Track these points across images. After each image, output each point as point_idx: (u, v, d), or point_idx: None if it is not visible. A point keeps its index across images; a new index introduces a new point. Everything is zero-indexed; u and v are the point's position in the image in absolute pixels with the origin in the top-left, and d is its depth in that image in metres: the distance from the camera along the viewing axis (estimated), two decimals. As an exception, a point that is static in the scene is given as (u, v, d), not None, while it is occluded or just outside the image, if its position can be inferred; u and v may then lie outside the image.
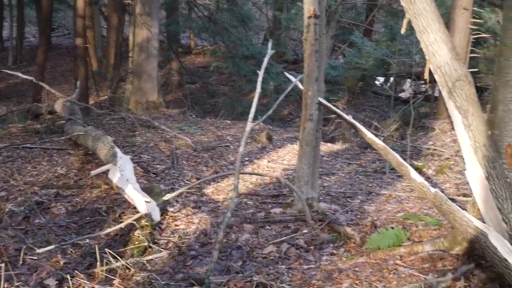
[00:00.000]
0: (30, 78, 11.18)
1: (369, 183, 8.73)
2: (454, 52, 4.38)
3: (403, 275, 4.66)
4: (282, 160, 10.26)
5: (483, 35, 12.86)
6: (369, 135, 5.94)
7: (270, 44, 6.74)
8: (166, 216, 6.69)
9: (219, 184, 8.42)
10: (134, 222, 5.95)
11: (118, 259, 5.25)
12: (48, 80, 17.96)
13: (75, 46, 14.15)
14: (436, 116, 13.40)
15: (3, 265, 4.85)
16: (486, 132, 4.25)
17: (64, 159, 9.13)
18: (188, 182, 8.28)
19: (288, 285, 4.82)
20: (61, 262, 5.36)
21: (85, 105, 12.24)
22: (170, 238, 6.06)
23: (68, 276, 4.82)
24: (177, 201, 7.26)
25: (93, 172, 7.15)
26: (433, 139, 11.70)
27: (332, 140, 13.73)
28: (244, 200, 7.70)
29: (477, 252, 4.58)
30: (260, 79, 6.04)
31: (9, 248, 5.67)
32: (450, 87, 4.33)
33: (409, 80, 18.28)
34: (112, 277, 4.99)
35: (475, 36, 12.60)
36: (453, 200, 5.49)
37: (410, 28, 4.67)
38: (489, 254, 4.01)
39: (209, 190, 8.11)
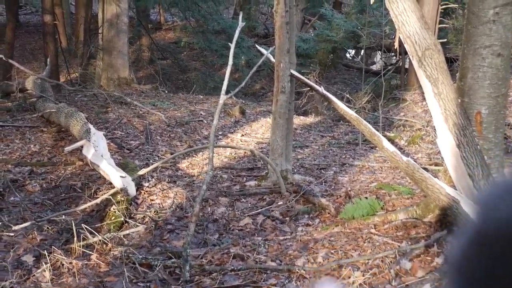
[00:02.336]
0: (-1, 56, 11.04)
1: (342, 155, 8.81)
2: (423, 21, 4.43)
3: (377, 243, 4.73)
4: (255, 134, 10.30)
5: (452, 5, 12.94)
6: (341, 106, 6.00)
7: (240, 17, 6.75)
8: (141, 191, 6.71)
9: (193, 158, 8.45)
10: (110, 197, 5.97)
11: (95, 234, 5.28)
12: (18, 58, 17.72)
13: (43, 23, 13.95)
14: (407, 87, 13.50)
15: (-21, 242, 4.86)
16: (456, 100, 4.32)
17: (37, 136, 9.09)
18: (162, 157, 8.29)
19: (265, 256, 4.88)
20: (38, 239, 5.36)
21: (56, 82, 12.14)
22: (147, 213, 6.09)
23: (45, 252, 4.84)
24: (152, 176, 7.28)
25: (67, 149, 7.14)
26: (405, 110, 11.81)
27: (305, 113, 13.79)
28: (219, 173, 7.74)
29: (449, 219, 4.67)
30: (231, 52, 6.05)
31: (-16, 226, 5.67)
32: (420, 56, 4.38)
33: (379, 52, 18.37)
34: (90, 252, 5.02)
35: (444, 7, 12.68)
36: (425, 169, 5.58)
37: (380, -1, 4.71)
38: (461, 221, 4.09)
39: (183, 164, 8.14)
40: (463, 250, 0.48)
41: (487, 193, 0.51)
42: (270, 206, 6.31)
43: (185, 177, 7.56)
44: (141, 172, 6.69)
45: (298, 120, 11.64)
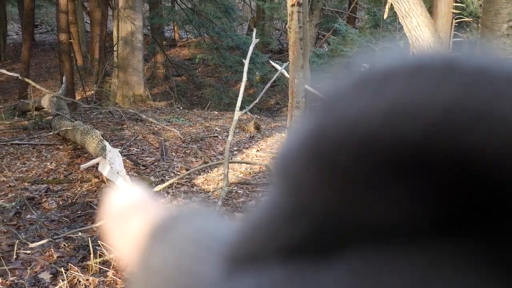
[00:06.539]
0: (16, 75, 11.12)
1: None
2: (436, 36, 4.43)
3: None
4: (271, 149, 10.29)
5: (466, 19, 12.92)
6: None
7: (254, 33, 6.78)
8: (157, 207, 6.72)
9: (209, 174, 8.46)
10: (126, 214, 5.97)
11: (111, 251, 5.29)
12: (34, 77, 17.89)
13: (59, 42, 14.09)
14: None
15: (-3, 260, 4.89)
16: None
17: (53, 154, 9.14)
18: (178, 173, 8.31)
19: (281, 270, 4.88)
20: (55, 256, 5.38)
21: (72, 100, 12.22)
22: (162, 229, 6.10)
23: (62, 269, 4.86)
24: (167, 192, 7.30)
25: (83, 166, 7.17)
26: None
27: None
28: (234, 189, 7.74)
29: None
30: (246, 68, 6.08)
31: (2, 243, 5.69)
32: (434, 71, 4.37)
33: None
34: (106, 269, 5.04)
35: (458, 20, 12.65)
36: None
37: (393, 14, 4.71)
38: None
39: (199, 180, 8.15)
40: (290, 156, 0.38)
41: (335, 85, 0.39)
42: (286, 221, 6.31)
43: (201, 193, 7.57)
44: (156, 189, 6.71)
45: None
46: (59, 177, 8.12)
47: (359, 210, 0.35)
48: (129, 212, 0.78)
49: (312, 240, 0.38)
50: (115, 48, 15.50)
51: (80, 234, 5.88)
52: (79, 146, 9.02)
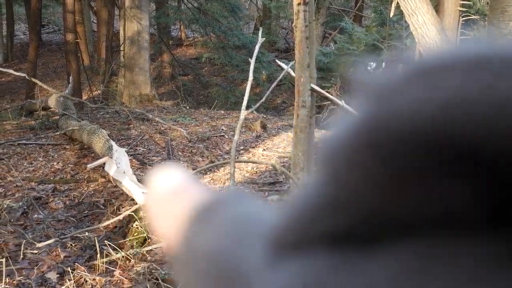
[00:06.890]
0: (23, 75, 11.14)
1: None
2: (443, 34, 4.41)
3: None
4: (277, 148, 10.28)
5: (473, 17, 12.88)
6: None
7: (260, 32, 6.77)
8: (164, 207, 6.71)
9: (215, 173, 8.46)
10: (133, 214, 5.98)
11: (118, 250, 5.29)
12: (40, 77, 17.92)
13: (66, 41, 14.11)
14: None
15: (3, 260, 4.89)
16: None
17: (60, 154, 9.15)
18: (184, 173, 8.29)
19: (287, 270, 4.87)
20: (62, 256, 5.39)
21: (79, 100, 12.23)
22: (169, 228, 6.09)
23: (69, 269, 4.86)
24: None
25: (90, 166, 7.18)
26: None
27: (327, 127, 13.74)
28: (241, 188, 7.73)
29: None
30: (252, 67, 6.06)
31: (9, 243, 5.69)
32: (440, 69, 4.36)
33: (401, 64, 18.34)
34: (113, 269, 5.04)
35: (465, 18, 12.61)
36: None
37: (400, 12, 4.70)
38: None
39: (205, 180, 8.14)
40: (339, 144, 0.38)
41: (390, 74, 0.39)
42: (293, 220, 6.30)
43: (207, 192, 7.56)
44: (163, 188, 6.70)
45: (319, 134, 11.62)
46: (66, 177, 8.13)
47: (409, 203, 0.35)
48: (172, 195, 0.78)
49: (359, 229, 0.38)
50: (121, 48, 15.52)
51: (87, 233, 5.89)
52: (85, 146, 9.03)
